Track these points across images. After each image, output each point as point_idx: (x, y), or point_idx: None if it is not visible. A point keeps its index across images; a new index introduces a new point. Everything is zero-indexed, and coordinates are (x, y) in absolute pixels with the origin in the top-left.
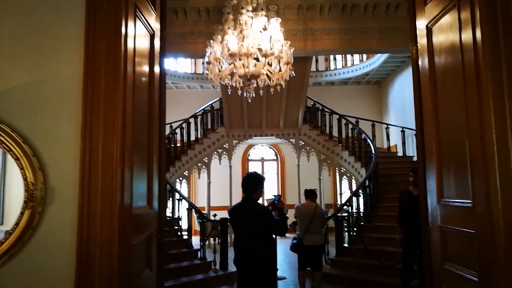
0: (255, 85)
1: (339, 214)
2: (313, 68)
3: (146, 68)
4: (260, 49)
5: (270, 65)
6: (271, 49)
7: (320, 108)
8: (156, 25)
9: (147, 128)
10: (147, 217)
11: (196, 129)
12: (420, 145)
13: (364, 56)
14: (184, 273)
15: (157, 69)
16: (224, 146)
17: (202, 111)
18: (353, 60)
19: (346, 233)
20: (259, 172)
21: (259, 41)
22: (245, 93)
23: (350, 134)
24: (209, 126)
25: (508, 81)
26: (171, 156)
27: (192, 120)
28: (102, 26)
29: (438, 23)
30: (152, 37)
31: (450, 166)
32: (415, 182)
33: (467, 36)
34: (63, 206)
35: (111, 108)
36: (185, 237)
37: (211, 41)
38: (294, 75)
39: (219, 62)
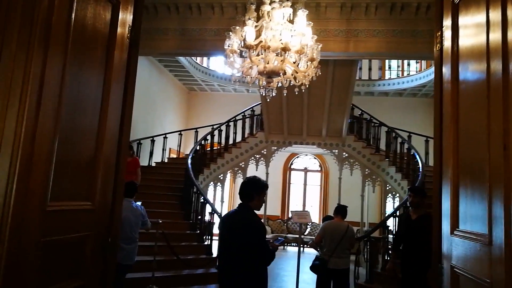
0: (279, 84)
1: (373, 235)
2: (365, 77)
3: (100, 48)
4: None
5: (297, 63)
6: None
7: (368, 119)
8: None
9: (98, 116)
10: (83, 216)
11: (235, 133)
12: (437, 156)
13: (423, 64)
14: (197, 281)
15: (120, 54)
16: (262, 152)
17: (243, 114)
18: (409, 70)
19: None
20: (301, 182)
21: (280, 34)
22: (263, 92)
23: (399, 149)
24: (248, 131)
25: None
26: (206, 158)
27: (232, 124)
28: None
29: None
30: (115, 9)
31: (468, 185)
32: (414, 203)
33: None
34: None
35: (20, 76)
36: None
37: (230, 33)
38: (320, 73)
39: (237, 56)
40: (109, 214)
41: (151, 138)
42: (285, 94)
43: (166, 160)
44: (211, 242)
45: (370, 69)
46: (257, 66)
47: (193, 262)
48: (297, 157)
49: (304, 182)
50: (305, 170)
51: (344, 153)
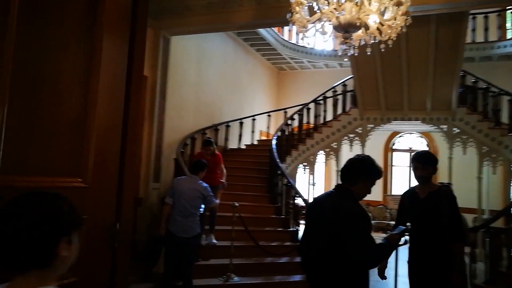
0: (362, 42)
1: (494, 225)
2: (480, 39)
3: None
4: None
5: (383, 14)
6: None
7: (485, 87)
8: None
9: (86, 68)
10: (70, 196)
11: (325, 111)
12: None
13: None
14: (279, 271)
15: None
16: (357, 130)
17: (333, 90)
18: None
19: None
20: (405, 163)
21: None
22: (339, 51)
23: None
24: (340, 108)
25: None
26: (293, 139)
27: (321, 101)
28: None
29: None
30: None
31: None
32: (422, 177)
33: None
34: None
35: None
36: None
37: None
38: (411, 22)
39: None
40: (115, 194)
41: (240, 121)
42: (368, 53)
43: (256, 143)
44: (297, 228)
45: (486, 29)
46: (331, 19)
47: (276, 249)
48: (400, 136)
49: (409, 164)
50: (410, 151)
51: (454, 129)
